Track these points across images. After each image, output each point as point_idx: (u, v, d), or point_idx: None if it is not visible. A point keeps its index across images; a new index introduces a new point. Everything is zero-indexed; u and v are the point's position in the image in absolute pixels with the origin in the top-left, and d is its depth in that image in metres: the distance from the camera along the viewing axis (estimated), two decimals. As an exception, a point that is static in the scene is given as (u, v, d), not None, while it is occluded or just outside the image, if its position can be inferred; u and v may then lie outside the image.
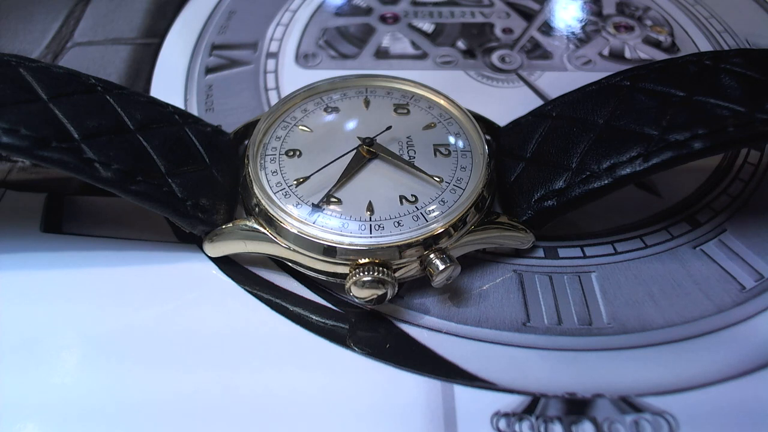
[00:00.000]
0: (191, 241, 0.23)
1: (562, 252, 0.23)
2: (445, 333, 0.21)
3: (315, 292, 0.22)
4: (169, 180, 0.21)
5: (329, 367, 0.20)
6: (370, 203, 0.21)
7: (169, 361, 0.20)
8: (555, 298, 0.22)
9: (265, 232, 0.21)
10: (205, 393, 0.19)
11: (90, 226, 0.24)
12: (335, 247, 0.20)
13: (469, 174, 0.22)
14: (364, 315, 0.21)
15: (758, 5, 0.35)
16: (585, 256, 0.23)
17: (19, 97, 0.20)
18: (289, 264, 0.22)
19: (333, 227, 0.20)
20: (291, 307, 0.21)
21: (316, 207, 0.21)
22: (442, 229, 0.20)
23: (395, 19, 0.34)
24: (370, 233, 0.20)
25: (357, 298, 0.20)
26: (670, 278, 0.22)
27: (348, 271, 0.20)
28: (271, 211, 0.21)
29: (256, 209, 0.21)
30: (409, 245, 0.20)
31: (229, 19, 0.34)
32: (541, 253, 0.23)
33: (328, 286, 0.22)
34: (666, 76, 0.22)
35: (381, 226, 0.20)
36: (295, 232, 0.20)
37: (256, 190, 0.21)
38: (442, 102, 0.24)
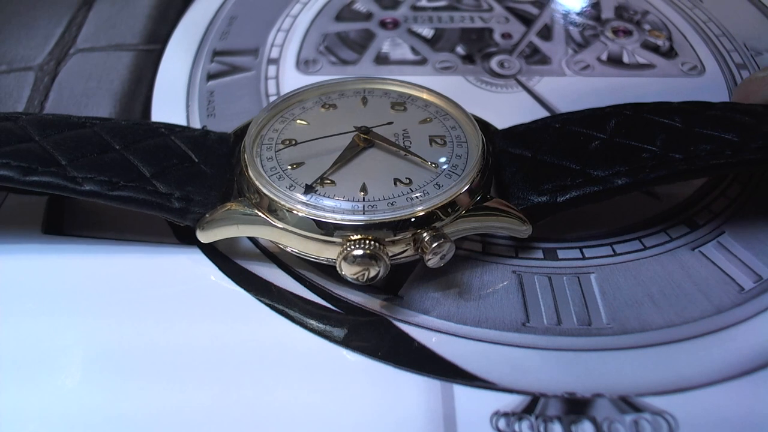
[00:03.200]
0: (192, 242, 0.23)
1: (561, 253, 0.23)
2: (445, 333, 0.21)
3: (315, 293, 0.22)
4: (153, 181, 0.22)
5: (329, 367, 0.20)
6: (363, 185, 0.21)
7: (169, 362, 0.20)
8: (554, 298, 0.22)
9: (258, 213, 0.21)
10: (204, 394, 0.19)
11: (91, 228, 0.24)
12: (327, 223, 0.20)
13: (465, 161, 0.22)
14: (364, 315, 0.21)
15: (757, 9, 0.35)
16: (584, 257, 0.23)
17: (12, 140, 0.22)
18: (280, 246, 0.21)
19: (326, 206, 0.20)
20: (291, 308, 0.21)
21: (310, 187, 0.21)
22: (435, 209, 0.20)
23: (395, 24, 0.34)
24: (363, 212, 0.20)
25: (347, 275, 0.20)
26: (669, 279, 0.22)
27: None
28: (264, 190, 0.21)
29: (249, 191, 0.21)
30: (402, 222, 0.20)
31: (231, 25, 0.34)
32: (540, 254, 0.23)
33: (328, 287, 0.22)
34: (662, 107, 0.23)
35: (374, 206, 0.20)
36: (287, 211, 0.20)
37: (251, 173, 0.21)
38: (438, 102, 0.24)
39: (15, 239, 0.23)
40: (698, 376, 0.20)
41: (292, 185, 0.21)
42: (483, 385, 0.20)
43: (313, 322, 0.21)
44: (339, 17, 0.35)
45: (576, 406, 0.19)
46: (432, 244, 0.20)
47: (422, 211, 0.20)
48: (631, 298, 0.22)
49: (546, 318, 0.21)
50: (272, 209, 0.21)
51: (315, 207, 0.20)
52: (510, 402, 0.19)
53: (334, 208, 0.20)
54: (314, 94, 0.25)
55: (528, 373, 0.20)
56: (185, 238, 0.23)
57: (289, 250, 0.22)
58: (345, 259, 0.20)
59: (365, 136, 0.22)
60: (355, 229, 0.20)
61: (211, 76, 0.31)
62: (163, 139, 0.23)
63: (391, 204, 0.20)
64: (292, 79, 0.31)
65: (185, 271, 0.22)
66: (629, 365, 0.20)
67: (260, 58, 0.32)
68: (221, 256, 0.23)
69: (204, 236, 0.22)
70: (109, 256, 0.23)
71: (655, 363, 0.20)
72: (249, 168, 0.21)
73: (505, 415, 0.19)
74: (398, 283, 0.22)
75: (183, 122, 0.29)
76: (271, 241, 0.22)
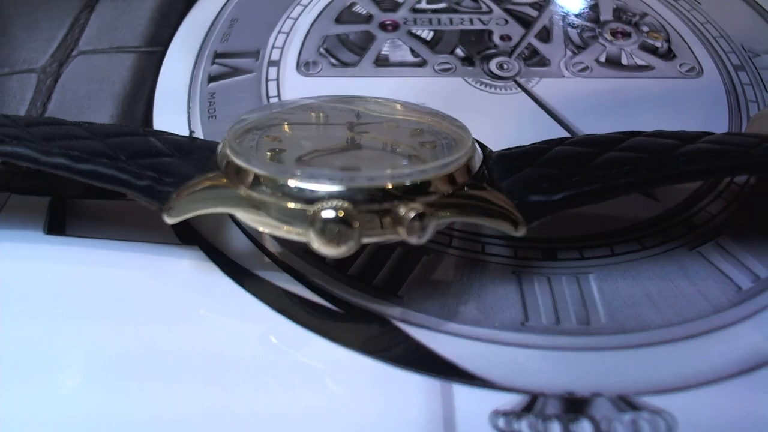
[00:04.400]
0: (193, 242, 0.23)
1: (560, 253, 0.23)
2: (444, 333, 0.21)
3: (315, 293, 0.22)
4: (127, 161, 0.21)
5: (328, 368, 0.20)
6: (343, 166, 0.20)
7: (170, 363, 0.20)
8: (553, 298, 0.22)
9: (229, 185, 0.20)
10: (204, 396, 0.19)
11: (93, 229, 0.24)
12: (301, 190, 0.19)
13: (454, 157, 0.21)
14: (364, 315, 0.22)
15: (754, 11, 0.35)
16: (583, 258, 0.23)
17: None
18: (246, 222, 0.21)
19: (301, 174, 0.20)
20: (291, 308, 0.22)
21: (287, 165, 0.20)
22: (418, 182, 0.20)
23: (395, 26, 0.35)
24: (340, 181, 0.19)
25: (316, 244, 0.19)
26: (668, 279, 0.22)
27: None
28: (237, 161, 0.20)
29: (224, 164, 0.21)
30: (379, 192, 0.19)
31: (232, 27, 0.34)
32: (539, 254, 0.23)
33: (328, 287, 0.22)
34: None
35: (353, 178, 0.19)
36: (261, 179, 0.20)
37: (228, 150, 0.21)
38: (433, 121, 0.24)
39: (17, 240, 0.23)
40: (697, 375, 0.20)
41: (268, 162, 0.20)
42: (482, 385, 0.20)
43: (313, 322, 0.21)
44: (339, 19, 0.35)
45: (575, 405, 0.19)
46: (409, 215, 0.19)
47: (402, 183, 0.19)
48: (630, 298, 0.22)
49: (545, 318, 0.21)
50: (244, 180, 0.20)
51: (290, 175, 0.19)
52: (509, 401, 0.19)
53: (311, 174, 0.19)
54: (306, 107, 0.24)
55: (527, 372, 0.20)
56: (186, 239, 0.23)
57: (261, 229, 0.20)
58: (313, 224, 0.19)
59: (352, 133, 0.22)
60: (329, 196, 0.19)
61: (212, 78, 0.31)
62: (145, 138, 0.23)
63: (370, 179, 0.19)
64: (292, 81, 0.31)
65: (186, 271, 0.23)
66: (628, 365, 0.20)
67: (261, 60, 0.32)
68: (222, 256, 0.23)
69: (170, 217, 0.21)
70: (111, 256, 0.23)
71: (653, 362, 0.20)
72: (227, 147, 0.21)
73: (505, 414, 0.19)
74: (398, 283, 0.22)
75: (184, 124, 0.29)
76: (233, 215, 0.21)
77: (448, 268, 0.23)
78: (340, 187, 0.19)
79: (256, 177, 0.20)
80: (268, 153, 0.21)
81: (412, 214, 0.19)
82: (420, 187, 0.20)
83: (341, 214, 0.19)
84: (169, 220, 0.21)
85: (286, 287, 0.22)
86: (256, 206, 0.20)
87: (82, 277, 0.22)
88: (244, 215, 0.21)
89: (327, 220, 0.19)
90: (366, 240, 0.19)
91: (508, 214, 0.21)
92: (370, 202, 0.19)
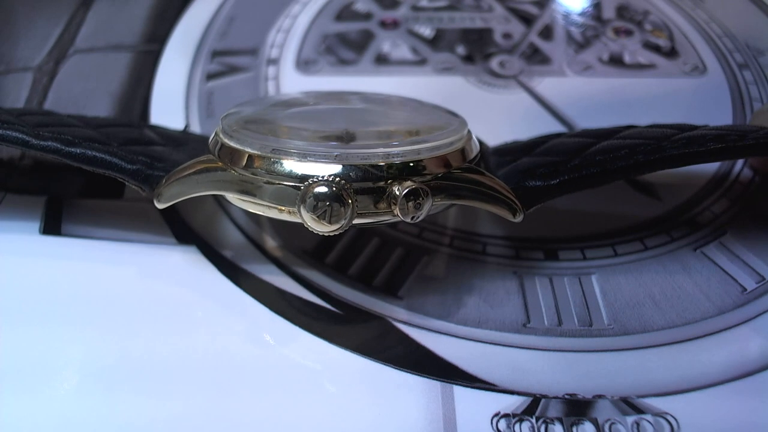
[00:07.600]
0: (190, 242, 0.23)
1: (561, 254, 0.23)
2: (445, 334, 0.21)
3: (314, 294, 0.22)
4: (118, 147, 0.21)
5: (327, 369, 0.20)
6: (337, 146, 0.20)
7: (167, 366, 0.20)
8: (555, 299, 0.22)
9: (222, 167, 0.20)
10: (202, 398, 0.19)
11: (89, 229, 0.24)
12: (293, 171, 0.19)
13: (448, 140, 0.21)
14: (363, 316, 0.21)
15: (758, 9, 0.35)
16: (585, 258, 0.23)
17: None
18: (237, 204, 0.21)
19: (295, 155, 0.19)
20: (290, 309, 0.21)
21: (281, 145, 0.20)
22: (410, 162, 0.19)
23: (395, 24, 0.34)
24: (335, 158, 0.19)
25: (307, 219, 0.19)
26: (671, 280, 0.22)
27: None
28: (231, 144, 0.20)
29: (217, 148, 0.20)
30: (373, 169, 0.19)
31: (230, 25, 0.34)
32: (540, 254, 0.23)
33: (327, 288, 0.22)
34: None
35: (347, 156, 0.19)
36: (255, 159, 0.20)
37: (221, 135, 0.21)
38: (428, 112, 0.24)
39: (13, 240, 0.23)
40: (700, 377, 0.20)
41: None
42: (483, 387, 0.19)
43: (313, 324, 0.21)
44: (339, 17, 0.35)
45: (577, 408, 0.19)
46: (402, 193, 0.19)
47: (395, 162, 0.19)
48: (633, 299, 0.22)
49: (547, 319, 0.21)
50: (238, 162, 0.20)
51: (284, 154, 0.19)
52: (511, 403, 0.19)
53: (305, 153, 0.19)
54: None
55: (529, 374, 0.20)
56: (183, 238, 0.23)
57: (253, 210, 0.20)
58: (304, 200, 0.18)
59: (346, 121, 0.22)
60: (322, 175, 0.19)
61: (210, 77, 0.31)
62: (139, 129, 0.23)
63: (364, 158, 0.19)
64: (291, 80, 0.31)
65: (183, 272, 0.22)
66: (631, 366, 0.20)
67: (260, 59, 0.32)
68: (220, 256, 0.23)
69: (160, 201, 0.21)
70: (107, 257, 0.23)
71: (656, 364, 0.20)
72: (220, 132, 0.21)
73: (506, 416, 0.19)
74: (398, 284, 0.22)
75: (182, 123, 0.29)
76: (226, 196, 0.21)
77: (449, 268, 0.23)
78: (333, 166, 0.19)
79: (250, 157, 0.20)
80: (262, 135, 0.21)
81: (405, 192, 0.19)
82: (413, 168, 0.19)
83: (334, 189, 0.18)
84: (159, 205, 0.21)
85: (284, 288, 0.22)
86: (249, 187, 0.20)
87: (78, 277, 0.22)
88: (236, 197, 0.20)
89: (319, 195, 0.18)
90: (359, 221, 0.19)
91: (505, 198, 0.20)
92: (363, 180, 0.19)
